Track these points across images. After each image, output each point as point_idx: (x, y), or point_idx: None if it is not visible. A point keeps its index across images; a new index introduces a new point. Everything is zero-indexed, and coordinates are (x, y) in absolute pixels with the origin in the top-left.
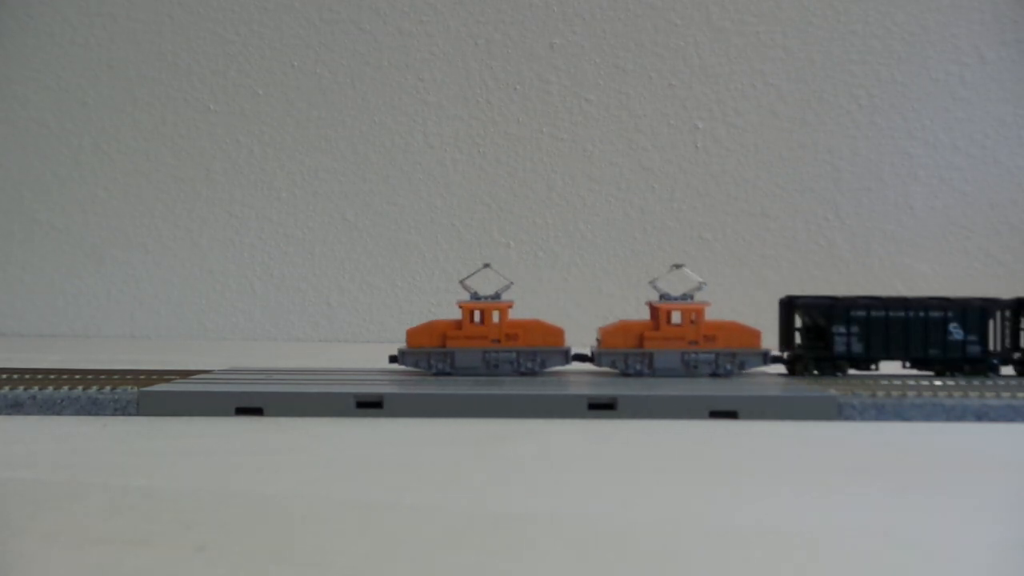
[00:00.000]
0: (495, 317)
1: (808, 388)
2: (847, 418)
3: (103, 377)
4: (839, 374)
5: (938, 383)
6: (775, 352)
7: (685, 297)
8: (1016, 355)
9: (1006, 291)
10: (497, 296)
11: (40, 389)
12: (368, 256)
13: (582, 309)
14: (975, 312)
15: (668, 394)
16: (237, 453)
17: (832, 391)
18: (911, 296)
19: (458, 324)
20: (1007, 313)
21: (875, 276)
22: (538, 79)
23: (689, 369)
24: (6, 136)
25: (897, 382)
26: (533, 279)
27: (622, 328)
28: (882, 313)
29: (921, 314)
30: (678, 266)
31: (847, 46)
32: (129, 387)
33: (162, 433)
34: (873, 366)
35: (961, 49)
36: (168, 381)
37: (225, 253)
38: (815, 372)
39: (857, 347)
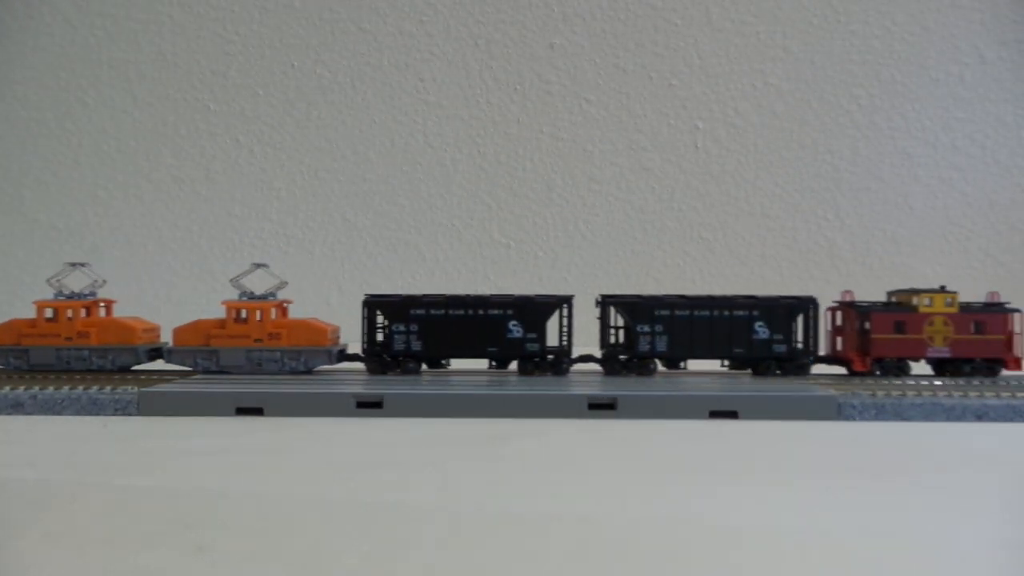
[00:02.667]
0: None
1: (808, 388)
2: (847, 418)
3: (103, 377)
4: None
5: (938, 383)
6: (354, 351)
7: (266, 296)
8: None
9: (1006, 291)
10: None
11: (40, 389)
12: (368, 256)
13: (582, 309)
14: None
15: (668, 394)
16: (237, 453)
17: (832, 391)
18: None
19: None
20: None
21: (875, 276)
22: (538, 79)
23: (254, 366)
24: (6, 136)
25: (897, 382)
26: (533, 279)
27: (193, 326)
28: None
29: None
30: (259, 265)
31: (847, 46)
32: (129, 387)
33: (162, 433)
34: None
35: (961, 49)
36: (168, 381)
37: (225, 253)
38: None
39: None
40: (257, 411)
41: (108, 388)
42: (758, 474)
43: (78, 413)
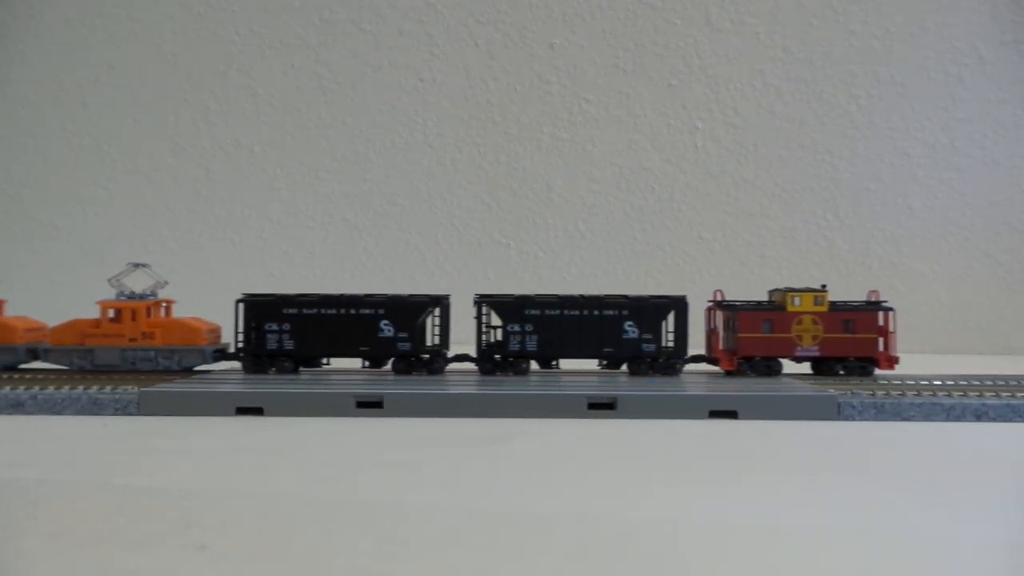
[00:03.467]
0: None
1: (808, 388)
2: (847, 418)
3: (103, 377)
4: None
5: (937, 383)
6: (232, 349)
7: (144, 295)
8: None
9: (1006, 291)
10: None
11: (41, 389)
12: (368, 256)
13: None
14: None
15: (668, 394)
16: (237, 453)
17: (832, 391)
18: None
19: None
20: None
21: (875, 276)
22: (538, 79)
23: (129, 365)
24: (6, 136)
25: (897, 382)
26: (533, 279)
27: (70, 326)
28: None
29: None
30: (139, 265)
31: (847, 46)
32: (130, 387)
33: (162, 433)
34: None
35: (960, 49)
36: (168, 381)
37: (225, 253)
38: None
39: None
40: (257, 411)
41: (108, 388)
42: (758, 474)
43: (78, 413)
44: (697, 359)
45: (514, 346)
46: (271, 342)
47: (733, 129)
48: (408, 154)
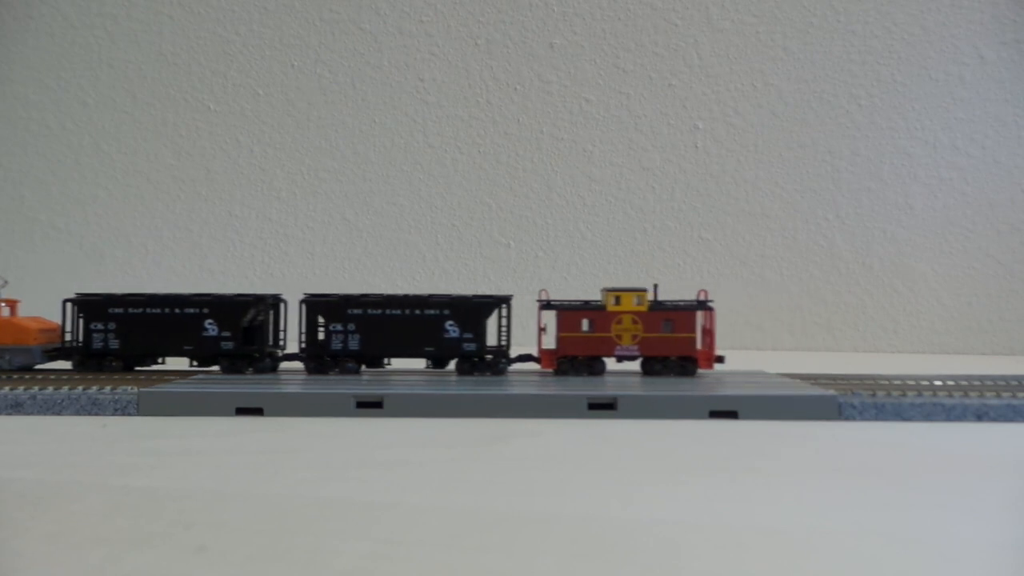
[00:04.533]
0: None
1: (808, 388)
2: (847, 418)
3: (103, 377)
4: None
5: (937, 383)
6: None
7: None
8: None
9: (1006, 291)
10: None
11: (40, 389)
12: (368, 256)
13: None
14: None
15: (668, 394)
16: (237, 453)
17: (832, 391)
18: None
19: None
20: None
21: (875, 276)
22: (538, 79)
23: None
24: (6, 136)
25: (897, 382)
26: (533, 279)
27: None
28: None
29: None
30: None
31: (847, 46)
32: (129, 387)
33: (162, 433)
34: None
35: (961, 49)
36: (168, 381)
37: (225, 253)
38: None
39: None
40: (257, 411)
41: (108, 388)
42: (758, 474)
43: (78, 413)
44: (523, 358)
45: (337, 345)
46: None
47: (733, 129)
48: (408, 154)
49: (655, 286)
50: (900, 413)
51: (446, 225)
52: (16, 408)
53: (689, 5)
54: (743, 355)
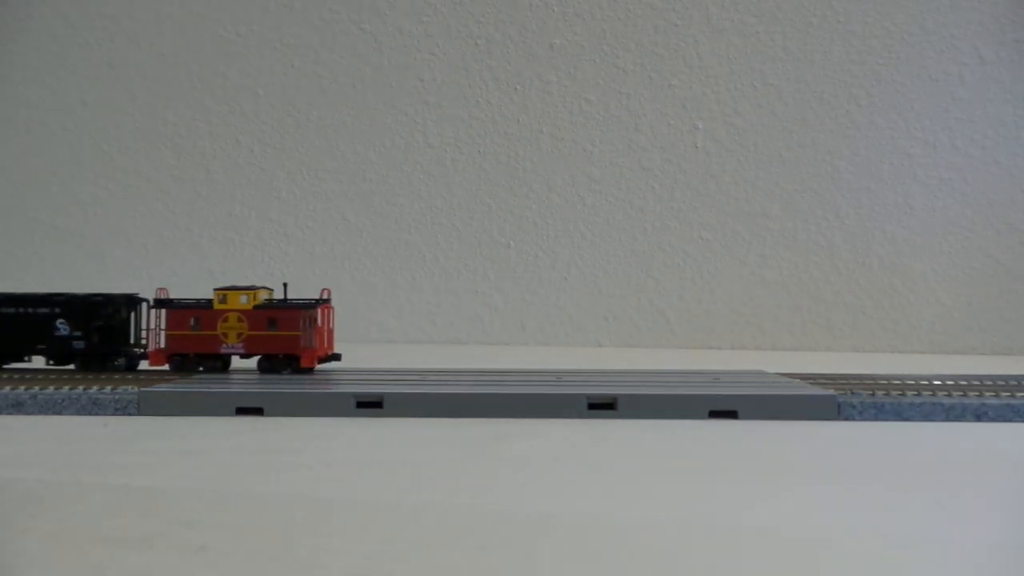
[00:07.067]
0: None
1: (808, 388)
2: (847, 418)
3: (104, 377)
4: None
5: (937, 383)
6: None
7: None
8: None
9: (1006, 291)
10: None
11: (41, 389)
12: (368, 256)
13: (582, 309)
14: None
15: (668, 394)
16: (237, 453)
17: (831, 391)
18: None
19: None
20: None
21: (874, 276)
22: (538, 79)
23: None
24: (6, 136)
25: (897, 382)
26: (533, 279)
27: None
28: None
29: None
30: None
31: (847, 46)
32: (130, 387)
33: (162, 433)
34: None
35: (960, 49)
36: (168, 381)
37: (225, 253)
38: None
39: None
40: (257, 411)
41: (108, 388)
42: (758, 474)
43: (78, 413)
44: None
45: None
46: None
47: (733, 129)
48: (408, 154)
49: (284, 285)
50: (899, 413)
51: (446, 225)
52: (16, 408)
53: (689, 5)
54: (743, 355)
